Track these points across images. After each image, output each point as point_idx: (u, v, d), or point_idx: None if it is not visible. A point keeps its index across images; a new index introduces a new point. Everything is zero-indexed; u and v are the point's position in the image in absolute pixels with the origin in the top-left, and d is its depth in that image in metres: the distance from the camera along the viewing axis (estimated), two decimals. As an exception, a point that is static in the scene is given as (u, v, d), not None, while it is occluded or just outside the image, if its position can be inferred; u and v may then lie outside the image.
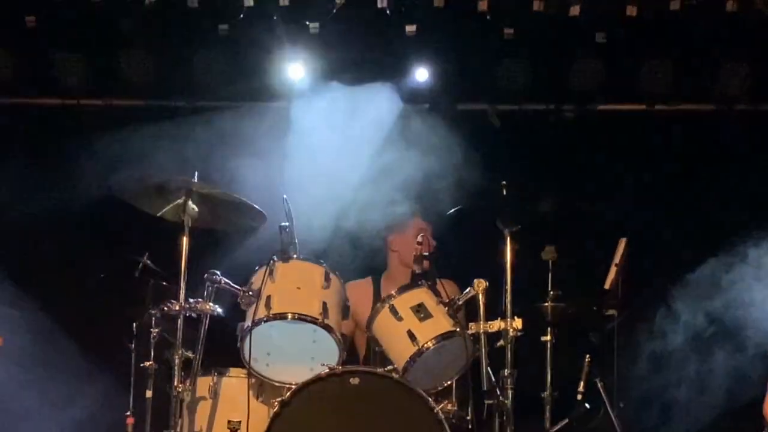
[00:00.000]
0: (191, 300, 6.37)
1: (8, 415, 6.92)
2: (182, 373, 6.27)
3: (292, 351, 6.51)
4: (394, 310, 6.37)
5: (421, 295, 6.41)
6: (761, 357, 6.77)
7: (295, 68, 7.98)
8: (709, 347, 7.33)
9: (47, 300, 7.75)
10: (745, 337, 7.01)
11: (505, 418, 6.12)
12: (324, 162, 7.72)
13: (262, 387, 6.55)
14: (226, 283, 6.46)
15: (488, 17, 7.67)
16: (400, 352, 6.31)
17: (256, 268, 6.59)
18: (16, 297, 7.60)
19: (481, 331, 6.23)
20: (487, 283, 6.25)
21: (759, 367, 6.61)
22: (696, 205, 7.93)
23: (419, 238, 6.78)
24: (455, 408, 6.47)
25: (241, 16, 7.70)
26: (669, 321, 7.41)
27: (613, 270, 6.74)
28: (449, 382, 6.55)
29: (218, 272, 6.44)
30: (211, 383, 6.52)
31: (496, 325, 6.20)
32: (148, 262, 6.88)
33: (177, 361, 6.25)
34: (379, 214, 7.47)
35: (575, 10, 7.56)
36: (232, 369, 6.63)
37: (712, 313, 7.26)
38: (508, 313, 6.17)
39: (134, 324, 6.79)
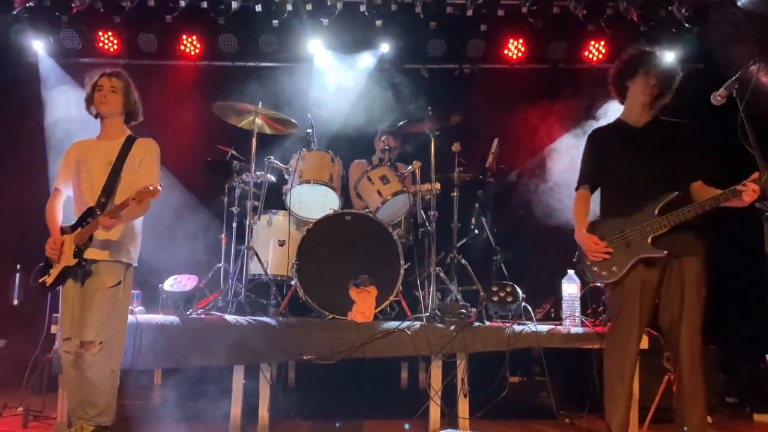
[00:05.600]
0: (257, 172, 5.98)
1: (162, 239, 6.40)
2: (252, 212, 5.87)
3: (313, 201, 6.09)
4: (369, 179, 5.91)
5: (384, 170, 5.93)
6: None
7: (314, 44, 7.40)
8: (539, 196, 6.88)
9: (179, 174, 7.12)
10: (554, 185, 6.69)
11: (430, 238, 5.74)
12: (331, 97, 7.25)
13: (297, 221, 6.15)
14: (276, 163, 6.05)
15: (421, 16, 7.19)
16: (373, 201, 5.85)
17: (293, 154, 6.11)
18: (164, 175, 7.06)
19: (418, 190, 5.84)
20: (421, 164, 5.81)
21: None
22: (537, 122, 7.41)
23: (383, 140, 6.37)
24: (403, 233, 6.13)
25: (285, 15, 7.24)
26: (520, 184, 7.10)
27: (490, 156, 6.25)
28: (400, 219, 6.16)
29: (272, 156, 6.06)
30: (268, 218, 6.19)
31: (426, 186, 5.80)
32: (233, 151, 6.35)
33: (249, 205, 5.87)
34: (360, 129, 7.06)
35: (471, 11, 7.13)
36: (280, 211, 6.23)
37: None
38: (433, 179, 5.75)
39: (225, 186, 6.32)
